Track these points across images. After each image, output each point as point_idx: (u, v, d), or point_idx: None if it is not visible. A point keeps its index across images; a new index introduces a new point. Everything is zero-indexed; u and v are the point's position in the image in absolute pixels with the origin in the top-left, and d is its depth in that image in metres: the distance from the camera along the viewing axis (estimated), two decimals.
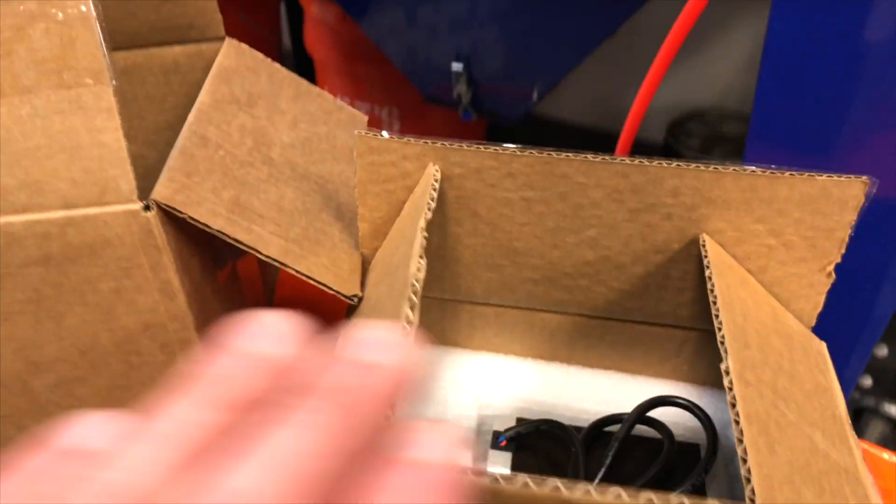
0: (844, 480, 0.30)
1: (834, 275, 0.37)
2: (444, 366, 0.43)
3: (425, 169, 0.36)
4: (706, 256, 0.34)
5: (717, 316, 0.30)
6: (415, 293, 0.28)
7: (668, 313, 0.40)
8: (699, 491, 0.36)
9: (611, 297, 0.40)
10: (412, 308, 0.27)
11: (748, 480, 0.24)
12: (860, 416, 0.93)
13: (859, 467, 0.32)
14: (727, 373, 0.28)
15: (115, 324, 0.35)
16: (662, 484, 0.36)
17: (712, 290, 0.32)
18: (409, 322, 0.27)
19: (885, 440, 0.91)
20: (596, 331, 0.41)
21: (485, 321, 0.42)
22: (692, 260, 0.37)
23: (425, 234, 0.31)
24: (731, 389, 0.27)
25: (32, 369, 0.35)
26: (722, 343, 0.29)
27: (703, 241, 0.35)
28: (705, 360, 0.41)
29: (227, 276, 0.43)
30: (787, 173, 0.33)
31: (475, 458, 0.39)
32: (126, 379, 0.37)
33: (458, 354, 0.43)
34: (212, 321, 0.39)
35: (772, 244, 0.36)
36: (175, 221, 0.33)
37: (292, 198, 0.40)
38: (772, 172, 0.33)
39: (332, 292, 0.37)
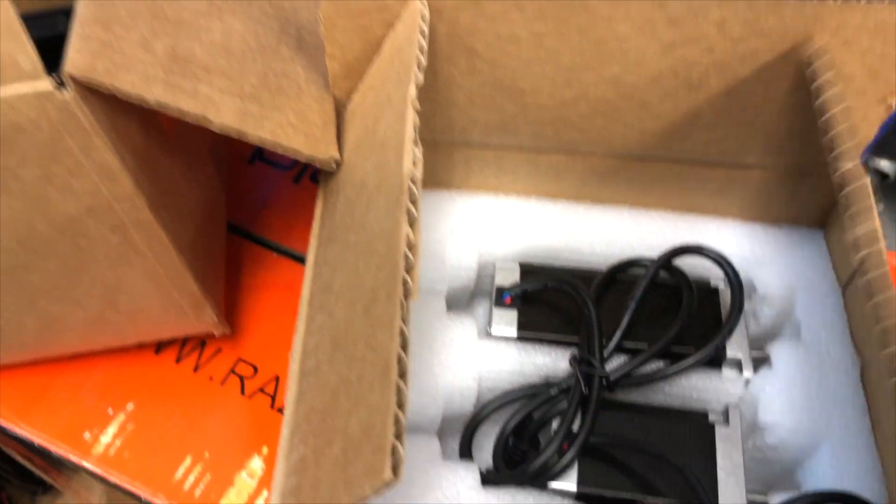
0: None
1: (894, 106, 0.32)
2: (439, 210, 0.39)
3: (407, 1, 0.28)
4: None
5: None
6: (413, 202, 0.23)
7: (695, 150, 0.35)
8: (718, 353, 0.34)
9: (630, 137, 0.35)
10: (413, 225, 0.22)
11: None
12: None
13: None
14: None
15: (51, 211, 0.30)
16: (681, 340, 0.34)
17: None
18: (409, 244, 0.22)
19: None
20: (610, 169, 0.37)
21: (482, 163, 0.37)
22: (728, 95, 0.32)
23: (417, 107, 0.26)
24: None
25: None
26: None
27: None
28: (730, 194, 0.37)
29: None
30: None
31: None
32: (77, 262, 0.33)
33: (454, 197, 0.39)
34: (170, 187, 0.34)
35: (829, 78, 0.30)
36: (100, 93, 0.27)
37: (242, 32, 0.32)
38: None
39: (305, 159, 0.31)
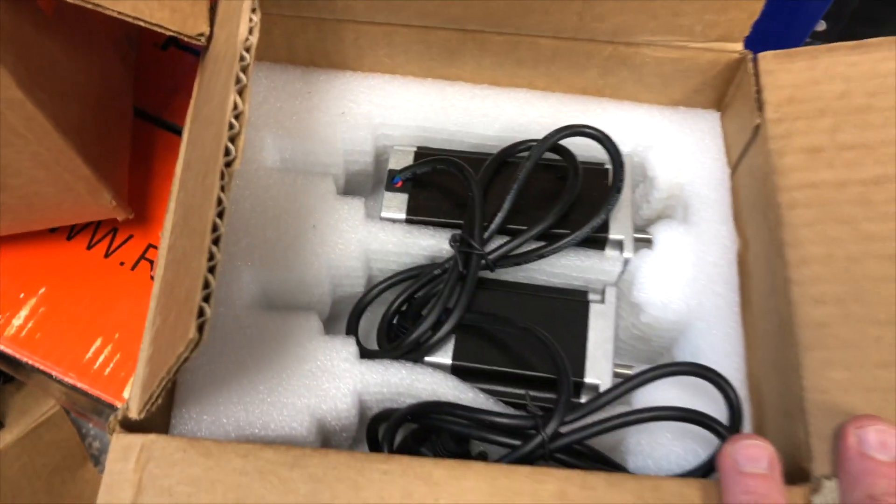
0: None
1: None
2: (332, 92, 0.38)
3: None
4: None
5: None
6: (244, 69, 0.23)
7: (582, 26, 0.34)
8: (601, 234, 0.34)
9: (515, 10, 0.34)
10: (241, 93, 0.22)
11: None
12: None
13: None
14: None
15: None
16: (568, 218, 0.34)
17: None
18: (237, 112, 0.22)
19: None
20: (502, 48, 0.36)
21: (372, 41, 0.37)
22: None
23: None
24: None
25: None
26: None
27: None
28: (625, 76, 0.37)
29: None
30: None
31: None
32: None
33: (347, 78, 0.39)
34: (47, 67, 0.33)
35: None
36: None
37: None
38: None
39: (172, 33, 0.31)
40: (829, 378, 0.27)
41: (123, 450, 0.26)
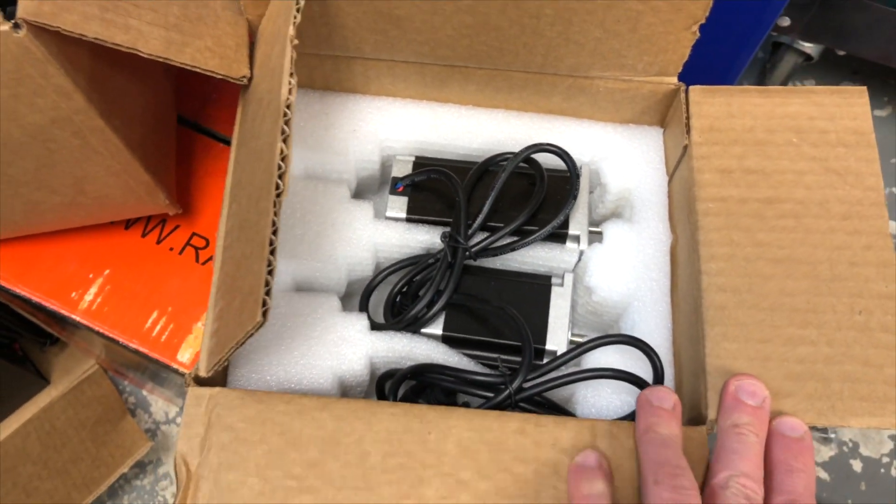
0: None
1: (698, 33, 0.39)
2: (345, 112, 0.47)
3: None
4: None
5: None
6: (286, 122, 0.31)
7: (546, 64, 0.43)
8: (563, 230, 0.43)
9: (491, 54, 0.42)
10: (285, 140, 0.31)
11: None
12: (777, 49, 0.99)
13: None
14: None
15: (22, 121, 0.38)
16: (536, 217, 0.43)
17: None
18: (283, 155, 0.31)
19: (795, 69, 0.98)
20: (482, 79, 0.45)
21: (378, 72, 0.45)
22: (564, 21, 0.39)
23: (294, 43, 0.33)
24: None
25: None
26: None
27: None
28: (583, 99, 0.45)
29: None
30: None
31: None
32: (49, 160, 0.42)
33: (358, 100, 0.47)
34: (120, 99, 0.42)
35: (640, 9, 0.38)
36: (49, 31, 0.34)
37: None
38: None
39: (220, 77, 0.39)
40: (724, 348, 0.36)
41: (196, 399, 0.36)
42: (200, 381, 0.36)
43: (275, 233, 0.31)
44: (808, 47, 0.93)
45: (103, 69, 0.40)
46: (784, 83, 1.03)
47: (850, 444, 0.93)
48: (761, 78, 1.07)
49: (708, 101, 0.41)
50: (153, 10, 0.38)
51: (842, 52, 0.95)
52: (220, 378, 0.38)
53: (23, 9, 0.33)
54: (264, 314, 0.30)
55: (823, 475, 0.90)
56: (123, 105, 0.43)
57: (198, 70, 0.39)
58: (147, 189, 0.47)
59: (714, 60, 0.42)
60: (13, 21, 0.33)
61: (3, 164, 0.41)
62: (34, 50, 0.34)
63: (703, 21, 0.38)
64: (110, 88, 0.41)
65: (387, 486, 0.33)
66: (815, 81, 1.12)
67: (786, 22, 0.88)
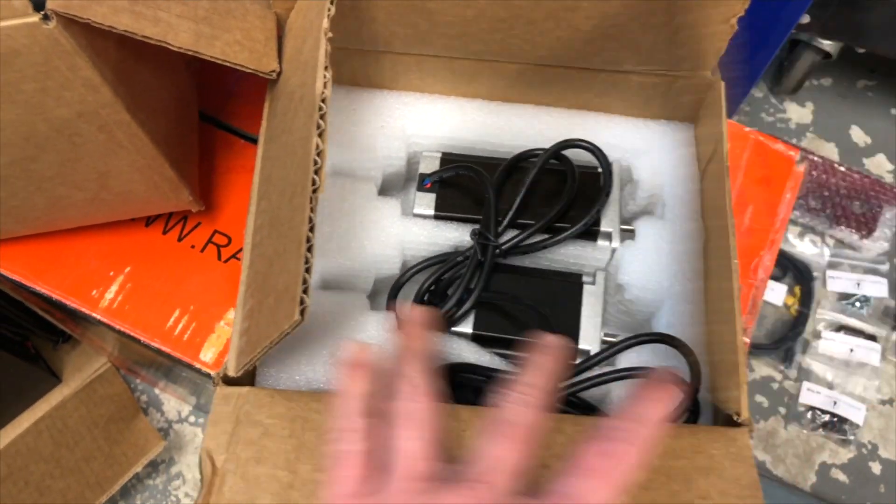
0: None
1: (737, 25, 0.38)
2: (373, 108, 0.46)
3: None
4: None
5: None
6: (322, 117, 0.31)
7: (580, 59, 0.42)
8: (594, 227, 0.43)
9: (524, 47, 0.41)
10: (321, 135, 0.30)
11: None
12: (795, 46, 0.98)
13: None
14: None
15: (48, 115, 0.38)
16: (567, 214, 0.43)
17: None
18: (318, 150, 0.30)
19: (813, 66, 0.98)
20: (512, 73, 0.44)
21: (406, 67, 0.44)
22: (601, 15, 0.38)
23: (329, 36, 0.33)
24: None
25: None
26: None
27: None
28: (614, 95, 0.45)
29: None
30: None
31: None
32: (74, 154, 0.41)
33: (385, 96, 0.46)
34: (145, 94, 0.41)
35: (679, 2, 0.37)
36: (78, 23, 0.34)
37: None
38: None
39: (250, 71, 0.39)
40: None
41: (225, 397, 0.35)
42: (229, 381, 0.36)
43: (311, 229, 0.31)
44: (827, 45, 0.93)
45: (129, 63, 0.40)
46: (801, 81, 1.02)
47: (869, 447, 0.92)
48: (778, 75, 1.07)
49: None
50: (183, 3, 0.37)
51: (861, 50, 0.94)
52: (247, 378, 0.37)
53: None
54: (302, 312, 0.30)
55: (842, 477, 0.89)
56: (148, 99, 0.42)
57: (228, 64, 0.38)
58: (171, 185, 0.46)
59: (736, 58, 0.42)
60: (43, 12, 0.32)
61: (27, 158, 0.41)
62: (63, 42, 0.33)
63: (742, 14, 0.37)
64: (136, 82, 0.41)
65: None
66: (832, 80, 1.11)
67: (805, 19, 0.88)
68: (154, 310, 0.49)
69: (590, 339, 0.41)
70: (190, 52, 0.37)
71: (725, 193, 0.38)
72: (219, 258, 0.50)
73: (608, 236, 0.43)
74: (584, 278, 0.43)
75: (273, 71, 0.39)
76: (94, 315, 0.49)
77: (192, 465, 0.88)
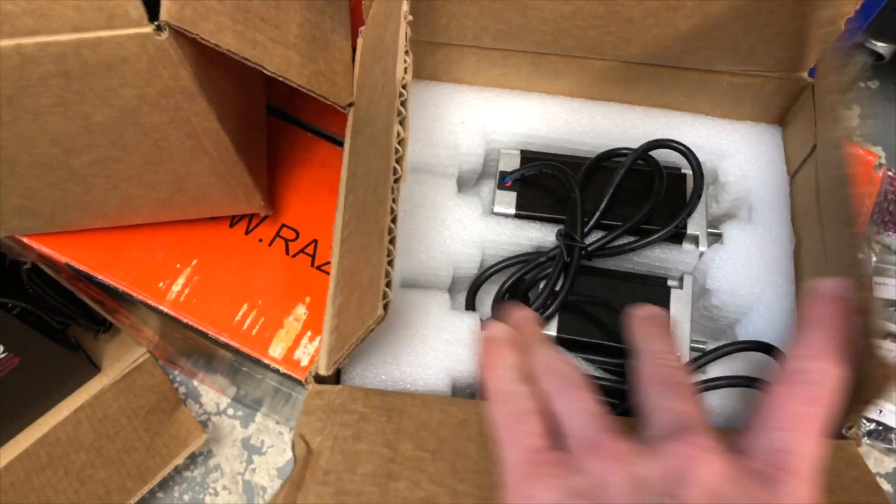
0: None
1: (843, 27, 0.37)
2: (454, 103, 0.45)
3: None
4: None
5: None
6: (403, 103, 0.30)
7: (672, 57, 0.41)
8: (680, 230, 0.42)
9: (618, 45, 0.41)
10: (402, 123, 0.30)
11: None
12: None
13: None
14: None
15: (141, 120, 0.37)
16: (652, 216, 0.42)
17: None
18: (399, 139, 0.30)
19: (864, 67, 0.97)
20: (600, 71, 0.43)
21: (491, 62, 0.44)
22: (701, 13, 0.38)
23: (409, 19, 0.32)
24: None
25: (69, 153, 0.39)
26: None
27: None
28: (703, 94, 0.44)
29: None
30: None
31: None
32: (157, 158, 0.41)
33: (465, 91, 0.46)
34: (230, 102, 0.41)
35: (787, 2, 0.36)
36: (186, 36, 0.33)
37: None
38: None
39: (329, 103, 0.38)
40: None
41: (318, 393, 0.34)
42: (320, 380, 0.35)
43: (394, 220, 0.30)
44: (881, 46, 0.91)
45: (219, 72, 0.39)
46: (851, 83, 1.00)
47: None
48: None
49: None
50: (276, 28, 0.37)
51: None
52: (334, 377, 0.37)
53: (166, 11, 0.32)
54: (385, 307, 0.29)
55: (887, 486, 0.88)
56: (231, 107, 0.42)
57: (312, 94, 0.38)
58: (246, 190, 0.46)
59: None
60: (156, 23, 0.32)
61: (111, 159, 0.40)
62: (172, 53, 0.33)
63: (851, 15, 0.36)
64: (224, 93, 0.40)
65: None
66: (881, 83, 1.10)
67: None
68: (222, 304, 0.48)
69: (679, 345, 0.40)
70: (280, 78, 0.36)
71: (849, 198, 0.37)
72: (287, 252, 0.50)
73: (695, 240, 0.42)
74: (670, 282, 0.42)
75: (348, 103, 0.39)
76: (161, 307, 0.48)
77: (230, 457, 0.88)
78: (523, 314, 0.35)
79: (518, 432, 0.28)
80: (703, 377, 0.37)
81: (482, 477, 0.31)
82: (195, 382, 0.91)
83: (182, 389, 0.91)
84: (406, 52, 0.32)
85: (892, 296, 0.97)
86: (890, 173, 1.00)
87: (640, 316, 0.33)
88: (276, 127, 0.54)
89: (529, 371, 0.31)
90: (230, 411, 0.90)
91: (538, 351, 0.32)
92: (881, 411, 0.90)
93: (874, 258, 0.99)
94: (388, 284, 0.30)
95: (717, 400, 0.38)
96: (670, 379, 0.28)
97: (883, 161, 0.96)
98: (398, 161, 0.31)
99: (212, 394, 0.91)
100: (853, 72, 0.81)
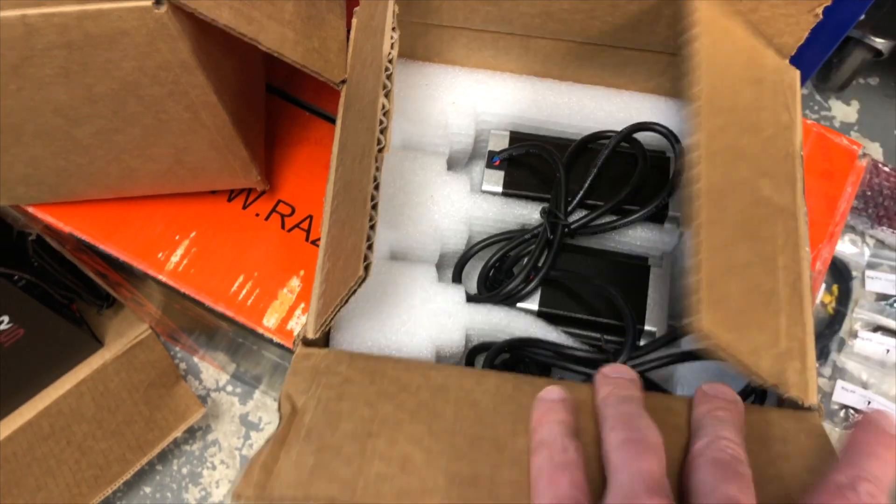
0: (780, 220, 0.37)
1: (821, 15, 0.39)
2: (445, 84, 0.47)
3: None
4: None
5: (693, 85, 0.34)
6: (388, 77, 0.31)
7: (658, 43, 0.42)
8: (662, 211, 0.43)
9: (605, 29, 0.42)
10: (387, 95, 0.31)
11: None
12: (846, 44, 0.98)
13: (797, 202, 0.39)
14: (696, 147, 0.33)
15: (141, 92, 0.39)
16: (635, 197, 0.43)
17: (693, 55, 0.34)
18: (384, 110, 0.31)
19: (863, 64, 0.97)
20: (587, 54, 0.45)
21: (482, 44, 0.45)
22: None
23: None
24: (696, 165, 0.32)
25: (72, 123, 0.40)
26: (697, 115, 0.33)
27: None
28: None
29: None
30: None
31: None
32: (156, 129, 0.42)
33: (456, 72, 0.47)
34: (227, 76, 0.42)
35: None
36: (184, 10, 0.35)
37: None
38: None
39: (323, 79, 0.40)
40: None
41: (305, 356, 0.36)
42: (308, 343, 0.36)
43: (377, 188, 0.31)
44: (880, 42, 0.92)
45: (217, 46, 0.41)
46: (849, 79, 1.01)
47: None
48: (825, 72, 1.06)
49: None
50: (271, 4, 0.38)
51: None
52: (322, 341, 0.38)
53: None
54: (366, 268, 0.30)
55: None
56: (229, 83, 0.43)
57: (305, 70, 0.39)
58: (242, 164, 0.47)
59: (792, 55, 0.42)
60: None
61: (112, 130, 0.42)
62: (170, 27, 0.35)
63: (829, 3, 0.37)
64: (222, 66, 0.42)
65: (501, 424, 0.32)
66: (880, 79, 1.10)
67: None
68: (219, 275, 0.50)
69: (656, 321, 0.42)
70: (275, 53, 0.38)
71: (797, 181, 0.39)
72: (283, 227, 0.51)
73: (676, 220, 0.44)
74: (650, 261, 0.44)
75: (341, 80, 0.40)
76: (160, 278, 0.50)
77: (228, 433, 0.90)
78: (620, 371, 0.33)
79: (558, 481, 0.28)
80: (676, 350, 0.39)
81: (457, 437, 0.32)
82: (195, 359, 0.93)
83: (182, 365, 0.93)
84: (393, 29, 0.33)
85: (884, 290, 0.98)
86: (886, 168, 1.01)
87: (710, 394, 0.33)
88: (275, 106, 0.55)
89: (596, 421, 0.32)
90: (229, 388, 0.92)
91: (625, 403, 0.31)
92: (870, 402, 0.92)
93: (868, 253, 1.00)
94: (369, 247, 0.31)
95: (689, 371, 0.40)
96: (734, 468, 0.29)
97: (867, 151, 0.97)
98: (382, 132, 0.32)
99: (212, 370, 0.93)
100: (851, 67, 0.80)
